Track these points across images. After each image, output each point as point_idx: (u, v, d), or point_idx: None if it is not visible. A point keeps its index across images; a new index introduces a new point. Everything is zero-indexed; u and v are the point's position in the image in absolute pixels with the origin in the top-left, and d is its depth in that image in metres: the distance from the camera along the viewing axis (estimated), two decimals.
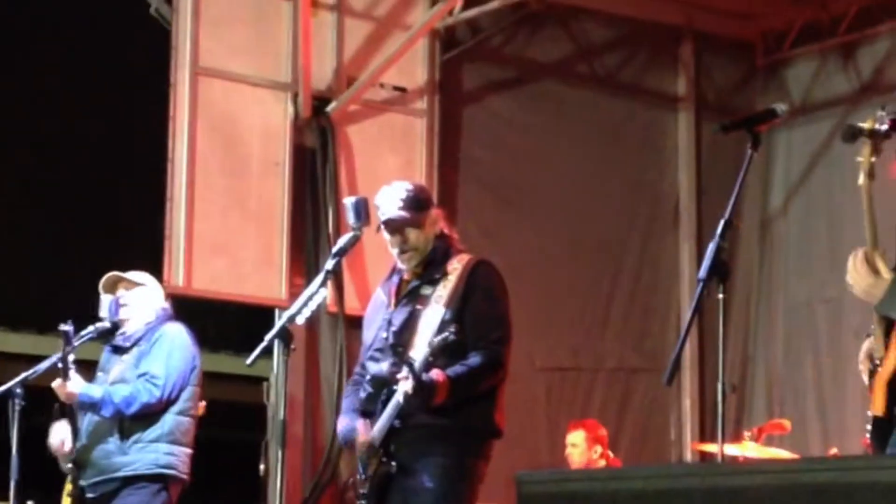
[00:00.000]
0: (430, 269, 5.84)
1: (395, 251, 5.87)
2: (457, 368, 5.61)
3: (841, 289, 10.39)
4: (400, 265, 5.92)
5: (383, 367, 5.74)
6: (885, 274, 4.29)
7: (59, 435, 6.86)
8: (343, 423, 5.88)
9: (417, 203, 5.85)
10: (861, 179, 4.40)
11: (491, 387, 5.76)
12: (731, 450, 8.26)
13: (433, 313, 5.68)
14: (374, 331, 5.91)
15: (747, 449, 8.38)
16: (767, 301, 11.34)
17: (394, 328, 5.78)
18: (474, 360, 5.65)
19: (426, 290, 5.79)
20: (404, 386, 5.52)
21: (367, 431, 5.70)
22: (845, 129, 4.48)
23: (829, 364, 10.81)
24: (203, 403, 7.83)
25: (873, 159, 4.42)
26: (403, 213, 5.79)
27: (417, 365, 5.50)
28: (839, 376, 10.54)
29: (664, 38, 11.31)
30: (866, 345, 4.56)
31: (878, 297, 4.29)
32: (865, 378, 4.56)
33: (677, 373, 4.76)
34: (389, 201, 5.83)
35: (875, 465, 3.06)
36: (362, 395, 5.85)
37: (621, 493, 3.26)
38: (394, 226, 5.80)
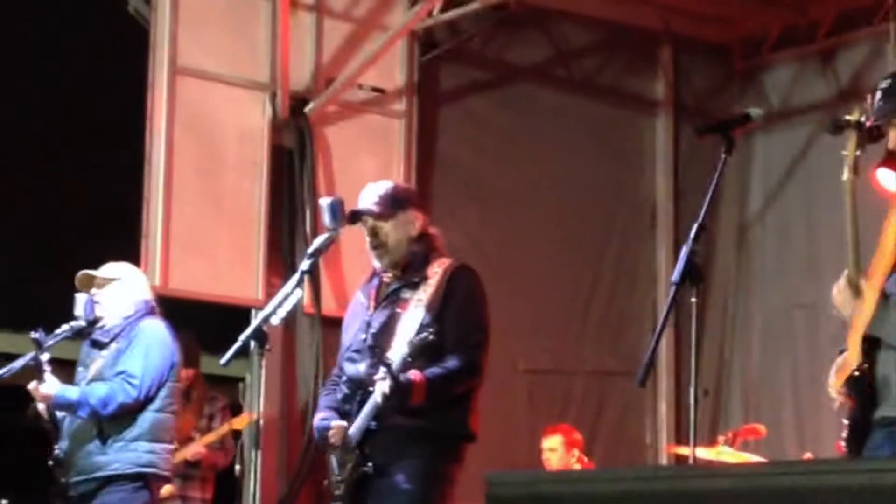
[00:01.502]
0: (409, 272, 5.84)
1: (367, 247, 5.89)
2: (434, 370, 5.61)
3: (818, 294, 10.48)
4: (374, 263, 5.92)
5: (361, 368, 5.74)
6: None
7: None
8: (319, 417, 5.87)
9: (393, 201, 5.87)
10: (845, 175, 4.34)
11: (466, 391, 5.76)
12: (706, 454, 8.27)
13: (412, 316, 5.68)
14: (352, 333, 5.91)
15: (722, 453, 8.39)
16: (744, 306, 11.35)
17: (373, 330, 5.78)
18: (452, 363, 5.65)
19: (406, 294, 5.79)
20: (381, 386, 5.52)
21: (342, 425, 5.68)
22: (831, 122, 4.45)
23: (805, 369, 10.83)
24: (252, 413, 7.79)
25: (858, 153, 4.37)
26: (371, 207, 5.83)
27: (395, 365, 5.50)
28: (816, 381, 10.53)
29: (643, 43, 11.32)
30: (840, 360, 4.54)
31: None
32: (833, 393, 4.54)
33: (650, 375, 4.75)
34: (367, 196, 5.87)
35: (841, 468, 3.06)
36: (339, 395, 5.85)
37: (590, 496, 3.26)
38: (359, 217, 5.82)
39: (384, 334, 5.73)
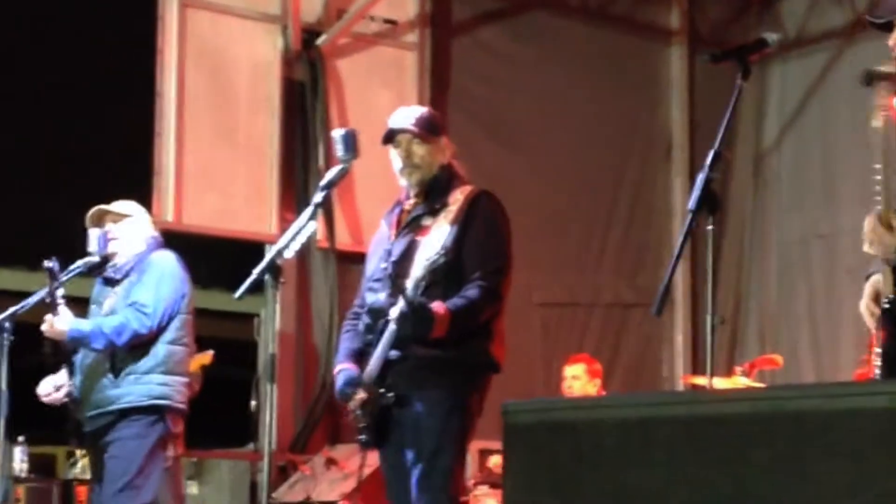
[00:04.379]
0: (431, 198, 5.76)
1: (398, 167, 5.79)
2: (456, 301, 5.53)
3: (835, 224, 10.41)
4: (401, 181, 5.84)
5: (381, 297, 5.69)
6: None
7: (50, 384, 6.81)
8: (342, 378, 5.79)
9: (429, 125, 5.80)
10: (878, 123, 4.26)
11: (487, 319, 5.70)
12: (722, 384, 8.23)
13: (431, 242, 5.61)
14: (374, 262, 5.86)
15: (738, 384, 8.36)
16: (761, 236, 11.31)
17: (393, 258, 5.72)
18: (472, 292, 5.58)
19: (427, 221, 5.71)
20: (396, 311, 5.47)
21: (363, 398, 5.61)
22: (864, 74, 4.37)
23: (822, 299, 10.80)
24: (210, 353, 7.79)
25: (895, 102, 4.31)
26: (410, 127, 5.74)
27: (409, 289, 5.44)
28: (833, 312, 10.52)
29: None
30: (870, 285, 4.47)
31: None
32: (868, 319, 4.48)
33: (666, 304, 4.68)
34: (403, 116, 5.80)
35: (860, 391, 3.03)
36: (361, 326, 5.79)
37: (606, 422, 3.23)
38: (397, 135, 5.74)
39: (404, 261, 5.65)
